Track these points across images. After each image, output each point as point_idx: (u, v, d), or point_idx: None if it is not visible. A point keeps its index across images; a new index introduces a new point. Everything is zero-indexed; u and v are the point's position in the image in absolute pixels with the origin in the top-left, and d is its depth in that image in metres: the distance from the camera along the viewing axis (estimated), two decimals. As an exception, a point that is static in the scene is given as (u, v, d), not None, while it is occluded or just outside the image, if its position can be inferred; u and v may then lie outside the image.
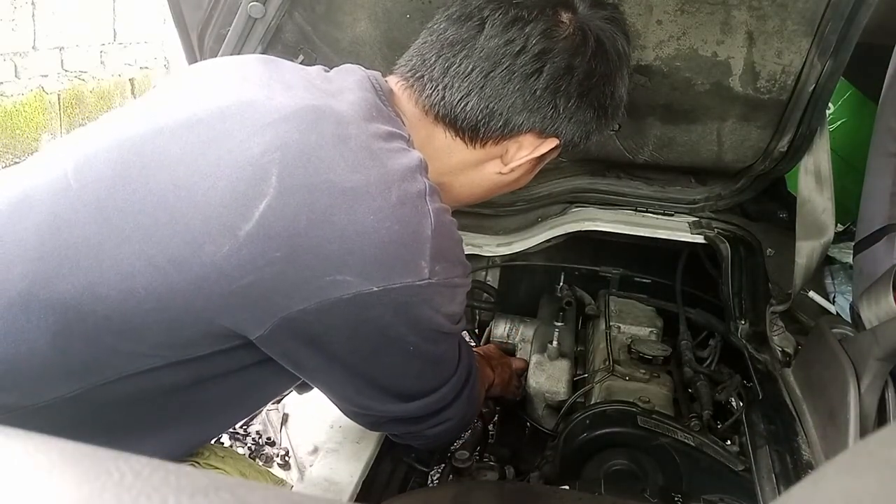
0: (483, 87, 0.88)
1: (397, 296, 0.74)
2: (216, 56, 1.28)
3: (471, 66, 0.88)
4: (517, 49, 0.87)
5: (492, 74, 0.88)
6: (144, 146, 0.77)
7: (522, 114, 0.90)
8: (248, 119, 0.78)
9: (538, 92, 0.89)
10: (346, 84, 0.88)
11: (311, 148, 0.75)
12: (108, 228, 0.73)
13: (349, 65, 0.94)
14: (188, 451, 0.90)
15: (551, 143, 0.94)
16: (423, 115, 0.92)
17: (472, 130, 0.91)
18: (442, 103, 0.90)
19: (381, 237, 0.73)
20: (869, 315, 1.10)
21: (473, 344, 1.61)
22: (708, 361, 1.37)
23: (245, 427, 1.48)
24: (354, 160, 0.76)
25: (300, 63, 1.11)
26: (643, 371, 1.31)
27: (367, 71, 0.92)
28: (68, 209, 0.74)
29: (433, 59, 0.91)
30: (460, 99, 0.89)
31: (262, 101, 0.80)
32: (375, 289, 0.72)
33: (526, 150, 0.94)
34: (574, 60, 0.89)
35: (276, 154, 0.74)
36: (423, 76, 0.91)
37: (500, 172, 0.97)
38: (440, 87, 0.90)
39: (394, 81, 0.95)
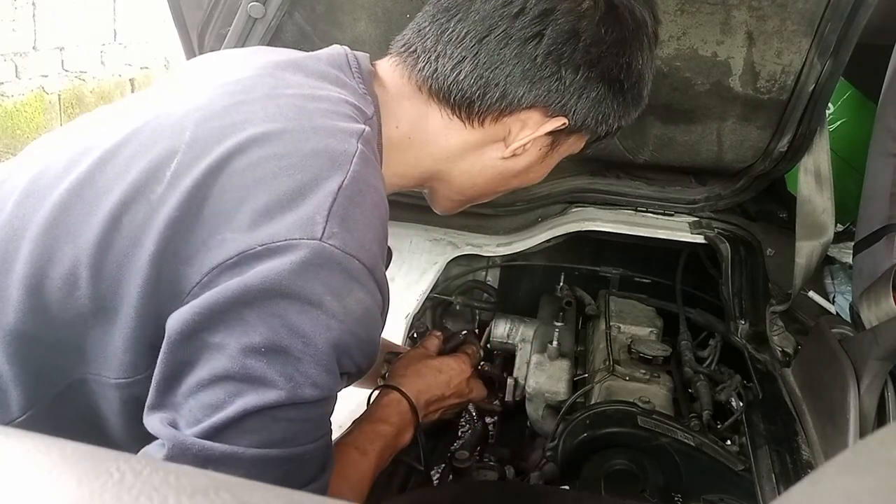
0: (477, 52, 0.79)
1: (276, 264, 0.61)
2: (216, 56, 1.28)
3: (465, 31, 0.79)
4: (515, 10, 0.78)
5: (486, 39, 0.79)
6: (103, 139, 0.72)
7: (522, 85, 0.80)
8: (187, 93, 0.74)
9: (539, 59, 0.79)
10: (313, 59, 0.82)
11: (233, 104, 0.70)
12: (54, 230, 0.68)
13: (337, 45, 0.87)
14: None
15: (558, 121, 0.83)
16: (417, 91, 0.84)
17: (466, 104, 0.82)
18: (434, 76, 0.82)
19: (279, 185, 0.64)
20: (869, 315, 1.10)
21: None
22: (708, 361, 1.37)
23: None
24: (276, 111, 0.69)
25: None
26: (643, 371, 1.31)
27: (353, 52, 0.85)
28: (22, 221, 0.69)
29: (427, 27, 0.83)
30: (452, 68, 0.80)
31: (212, 80, 0.77)
32: (259, 248, 0.61)
33: (530, 130, 0.84)
34: (580, 24, 0.78)
35: (197, 113, 0.69)
36: (416, 49, 0.83)
37: (503, 157, 0.87)
38: (433, 57, 0.81)
39: (385, 61, 0.88)
